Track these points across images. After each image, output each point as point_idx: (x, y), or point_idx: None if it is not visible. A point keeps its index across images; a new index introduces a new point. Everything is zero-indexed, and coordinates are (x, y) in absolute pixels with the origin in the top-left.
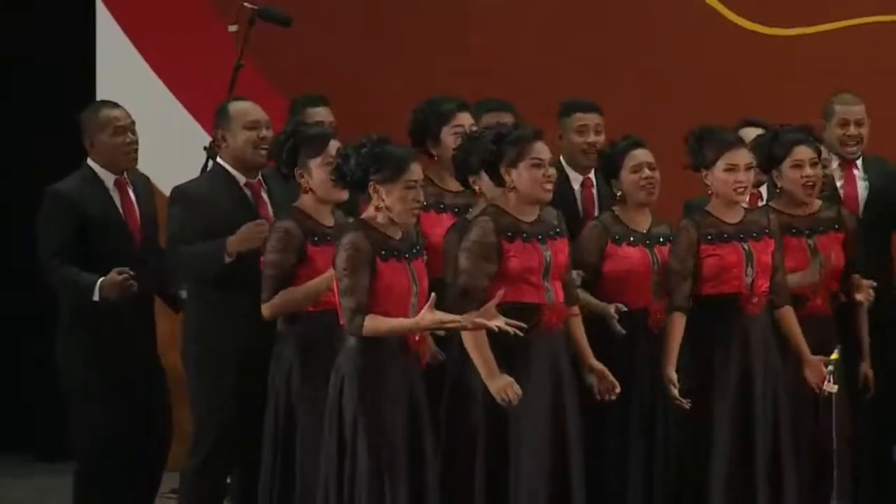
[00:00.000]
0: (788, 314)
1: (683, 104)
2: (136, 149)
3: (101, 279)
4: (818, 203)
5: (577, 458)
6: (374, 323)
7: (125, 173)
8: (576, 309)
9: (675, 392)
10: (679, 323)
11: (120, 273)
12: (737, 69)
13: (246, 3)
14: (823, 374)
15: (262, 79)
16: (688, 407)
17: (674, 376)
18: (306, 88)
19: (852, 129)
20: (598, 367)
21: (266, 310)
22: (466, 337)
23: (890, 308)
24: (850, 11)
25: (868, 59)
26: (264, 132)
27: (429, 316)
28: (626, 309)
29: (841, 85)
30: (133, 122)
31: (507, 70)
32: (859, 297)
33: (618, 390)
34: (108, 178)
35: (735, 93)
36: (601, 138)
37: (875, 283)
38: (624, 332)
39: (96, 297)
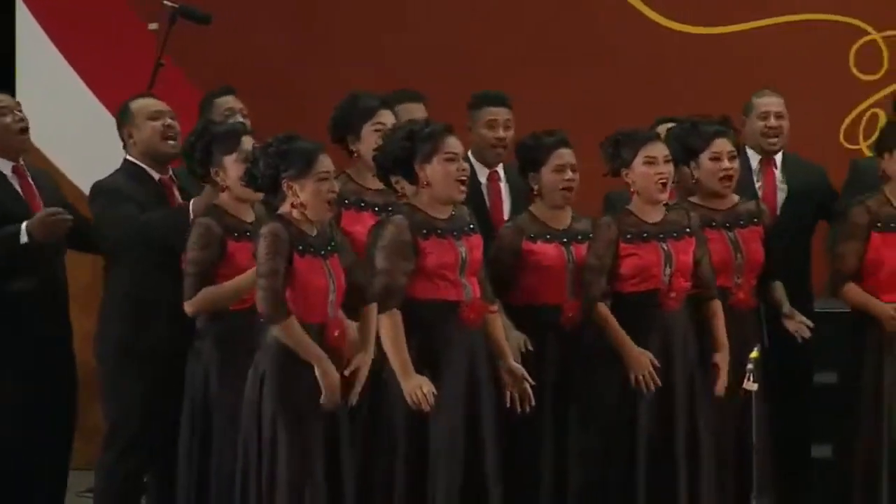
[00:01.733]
0: (715, 307)
1: (604, 101)
2: (26, 128)
3: (25, 222)
4: (735, 197)
5: (494, 456)
6: (292, 335)
7: (21, 160)
8: (494, 307)
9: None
10: (605, 310)
11: (48, 213)
12: (658, 68)
13: (166, 2)
14: (723, 375)
15: (182, 77)
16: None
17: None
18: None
19: (773, 121)
20: (515, 370)
21: (189, 307)
22: (384, 336)
23: (806, 313)
24: (771, 10)
25: (790, 57)
26: (169, 121)
27: (331, 380)
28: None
29: (763, 82)
30: (18, 104)
31: (429, 66)
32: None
33: (532, 403)
34: (6, 166)
35: (656, 91)
36: (510, 133)
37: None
38: None
39: (24, 240)
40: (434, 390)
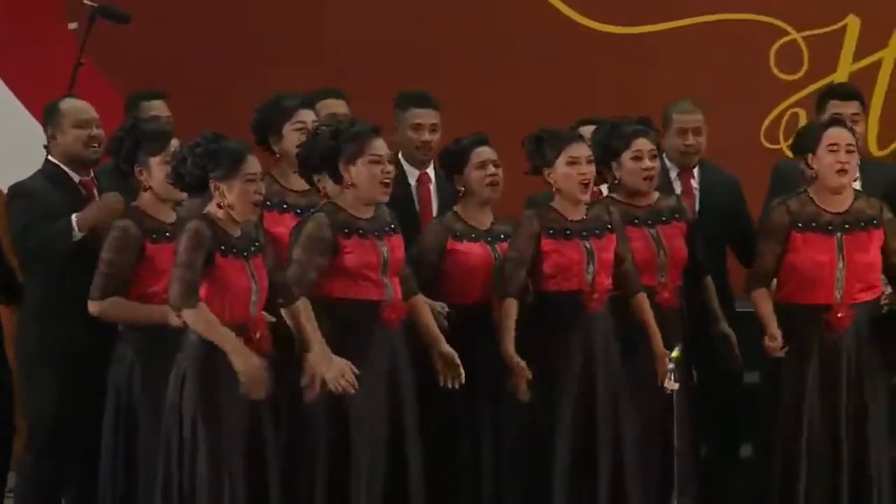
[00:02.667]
0: (641, 300)
1: (526, 101)
2: None
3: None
4: (656, 194)
5: (415, 456)
6: (202, 320)
7: None
8: (419, 297)
9: (520, 364)
10: (512, 307)
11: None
12: (579, 68)
13: (86, 1)
14: (663, 366)
15: (102, 77)
16: (525, 399)
17: (513, 354)
18: (147, 86)
19: (690, 139)
20: (447, 353)
21: (93, 307)
22: (301, 322)
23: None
24: (692, 10)
25: (710, 57)
26: (94, 131)
27: (250, 368)
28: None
29: (684, 82)
30: None
31: (354, 66)
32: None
33: (462, 378)
34: None
35: (578, 91)
36: (436, 136)
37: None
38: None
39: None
40: (356, 370)
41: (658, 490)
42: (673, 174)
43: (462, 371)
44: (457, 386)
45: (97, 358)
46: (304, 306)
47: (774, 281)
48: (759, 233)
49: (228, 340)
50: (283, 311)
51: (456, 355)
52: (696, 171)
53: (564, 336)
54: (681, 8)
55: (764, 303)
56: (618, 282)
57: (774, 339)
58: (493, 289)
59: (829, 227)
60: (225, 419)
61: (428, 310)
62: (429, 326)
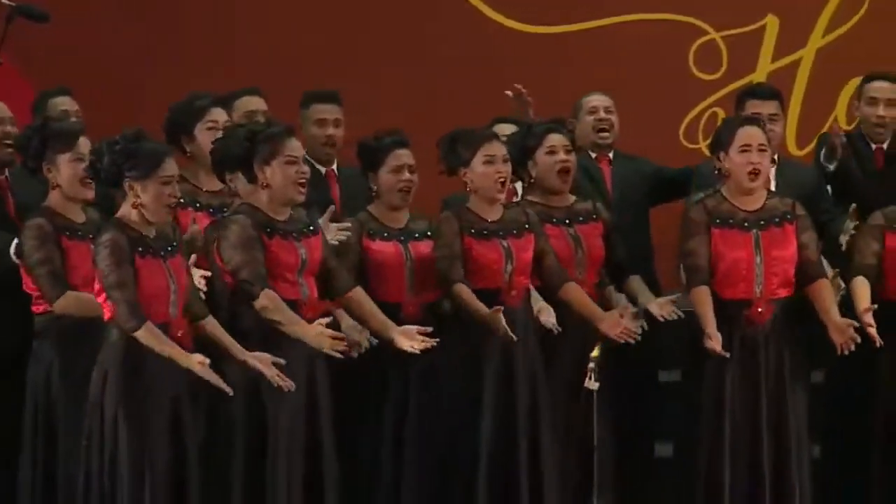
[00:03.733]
0: (573, 288)
1: (442, 100)
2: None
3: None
4: (572, 197)
5: (330, 458)
6: (153, 335)
7: None
8: (358, 290)
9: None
10: (464, 288)
11: None
12: (497, 67)
13: (4, 1)
14: (620, 326)
15: (19, 76)
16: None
17: (486, 310)
18: (62, 84)
19: (602, 114)
20: (402, 333)
21: (57, 307)
22: (273, 311)
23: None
24: (610, 9)
25: (629, 57)
26: (8, 128)
27: (198, 365)
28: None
29: (603, 82)
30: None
31: (271, 64)
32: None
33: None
34: None
35: (495, 90)
36: (340, 131)
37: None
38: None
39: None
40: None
41: (577, 489)
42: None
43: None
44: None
45: (16, 359)
46: (271, 295)
47: None
48: (683, 233)
49: (176, 353)
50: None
51: (414, 331)
52: (612, 160)
53: (483, 335)
54: (600, 7)
55: (704, 301)
56: (544, 277)
57: (711, 339)
58: (439, 286)
59: (746, 224)
60: (147, 419)
61: (369, 299)
62: (374, 314)
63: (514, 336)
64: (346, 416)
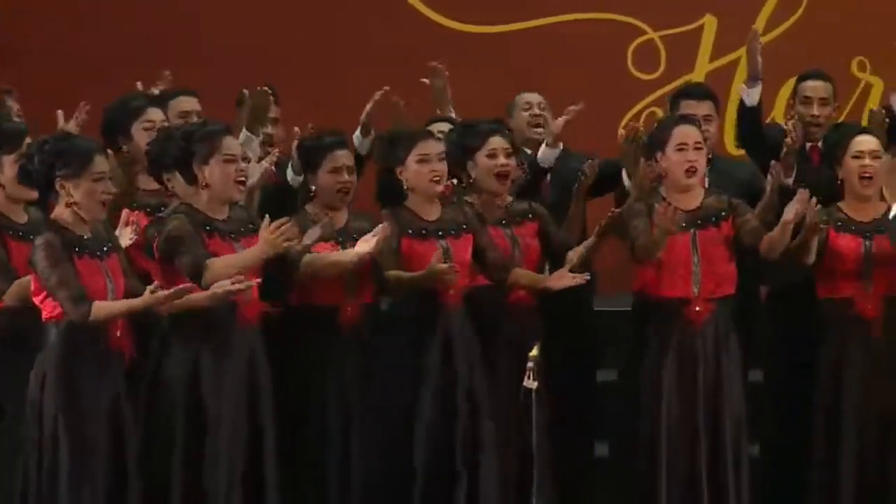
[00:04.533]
0: (518, 271)
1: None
2: None
3: None
4: (509, 198)
5: (272, 455)
6: (102, 307)
7: None
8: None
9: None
10: (398, 271)
11: None
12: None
13: None
14: (569, 279)
15: None
16: None
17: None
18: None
19: (536, 110)
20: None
21: (7, 298)
22: (226, 266)
23: (587, 309)
24: (549, 9)
25: (568, 56)
26: None
27: (152, 296)
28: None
29: (541, 81)
30: None
31: (205, 65)
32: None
33: None
34: None
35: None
36: (279, 130)
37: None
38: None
39: None
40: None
41: (516, 489)
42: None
43: None
44: None
45: None
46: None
47: None
48: (628, 217)
49: (134, 307)
50: None
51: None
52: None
53: (421, 336)
54: (539, 7)
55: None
56: (489, 272)
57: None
58: (374, 281)
59: (683, 224)
60: (86, 419)
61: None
62: (328, 257)
63: (456, 267)
64: (288, 417)
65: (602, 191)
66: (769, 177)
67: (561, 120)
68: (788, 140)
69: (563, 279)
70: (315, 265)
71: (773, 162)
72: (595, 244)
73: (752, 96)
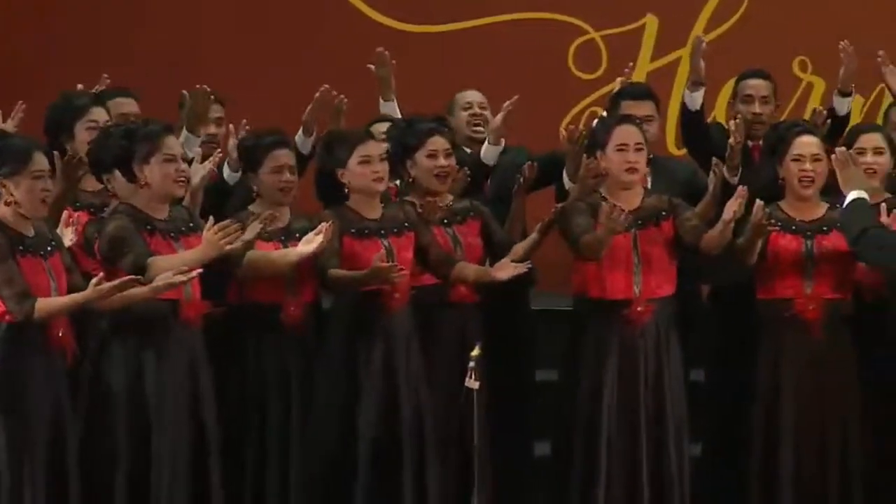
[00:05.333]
0: (462, 265)
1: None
2: None
3: None
4: (450, 197)
5: (216, 454)
6: (47, 303)
7: None
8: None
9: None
10: (339, 270)
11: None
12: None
13: None
14: (512, 269)
15: None
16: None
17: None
18: None
19: (476, 109)
20: None
21: None
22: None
23: (524, 309)
24: (490, 9)
25: (509, 56)
26: None
27: (95, 289)
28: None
29: (483, 80)
30: None
31: (147, 65)
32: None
33: None
34: None
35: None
36: (222, 130)
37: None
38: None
39: None
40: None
41: (458, 488)
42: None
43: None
44: None
45: None
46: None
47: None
48: (569, 214)
49: (71, 302)
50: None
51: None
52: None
53: (364, 337)
54: (480, 7)
55: (592, 238)
56: (433, 268)
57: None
58: (317, 279)
59: (627, 224)
60: (29, 417)
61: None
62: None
63: (399, 266)
64: (230, 416)
65: (542, 185)
66: (711, 175)
67: (499, 117)
68: (732, 141)
69: (507, 269)
70: (257, 263)
71: (714, 159)
72: (537, 241)
73: (695, 101)
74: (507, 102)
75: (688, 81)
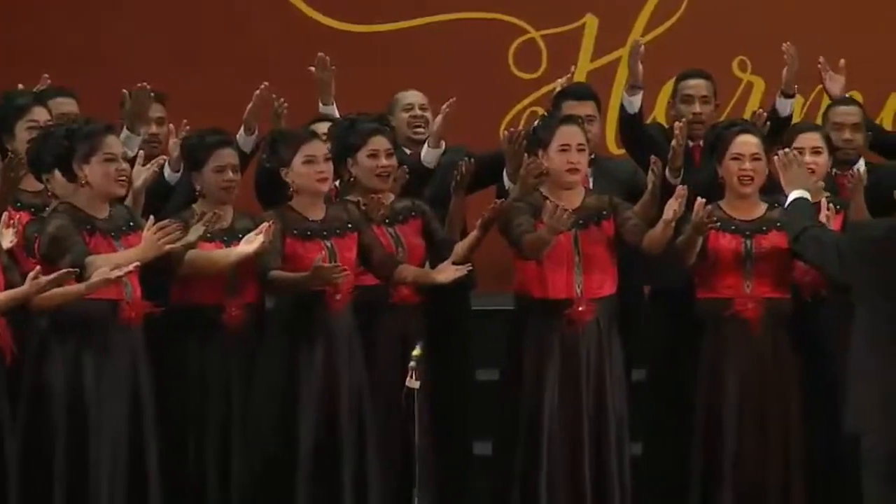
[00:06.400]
0: (405, 268)
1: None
2: None
3: None
4: (391, 196)
5: (154, 458)
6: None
7: None
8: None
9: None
10: (277, 272)
11: None
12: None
13: None
14: (453, 271)
15: None
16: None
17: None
18: None
19: (417, 111)
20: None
21: None
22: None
23: (464, 307)
24: (429, 8)
25: (449, 55)
26: None
27: (33, 283)
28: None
29: (422, 80)
30: None
31: (92, 63)
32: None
33: None
34: None
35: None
36: (164, 129)
37: None
38: None
39: None
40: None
41: (399, 488)
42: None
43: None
44: None
45: None
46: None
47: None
48: (510, 216)
49: (15, 294)
50: None
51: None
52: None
53: (306, 337)
54: (420, 6)
55: (534, 239)
56: (376, 270)
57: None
58: (258, 280)
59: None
60: None
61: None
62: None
63: (342, 267)
64: (170, 417)
65: (483, 185)
66: (650, 173)
67: (439, 119)
68: (675, 143)
69: (448, 272)
70: (197, 263)
71: (653, 157)
72: (478, 238)
73: (634, 104)
74: (446, 104)
75: (626, 85)
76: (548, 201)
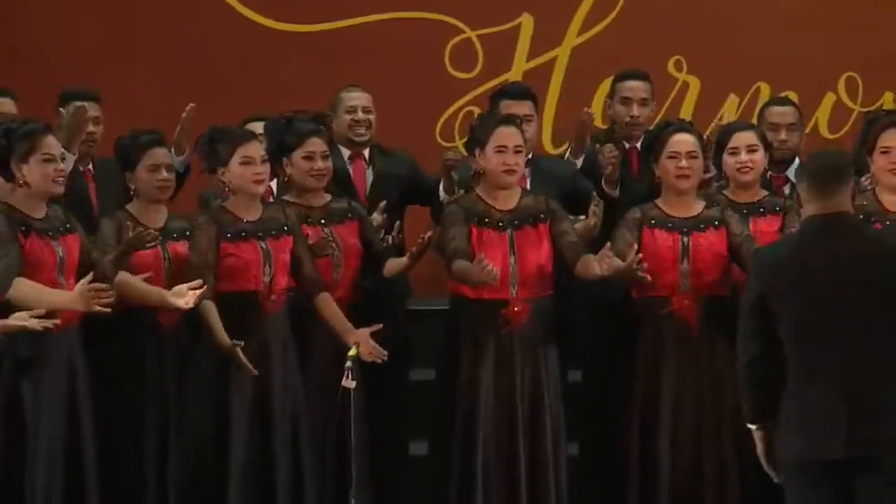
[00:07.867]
0: (325, 300)
1: (198, 99)
2: None
3: None
4: (328, 196)
5: (91, 460)
6: None
7: None
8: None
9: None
10: (208, 306)
11: None
12: (252, 65)
13: None
14: (369, 348)
15: None
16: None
17: (228, 342)
18: None
19: (360, 114)
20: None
21: None
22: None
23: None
24: (365, 8)
25: (385, 55)
26: None
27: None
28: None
29: (359, 80)
30: None
31: (28, 63)
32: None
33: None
34: None
35: (250, 89)
36: (100, 128)
37: None
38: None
39: None
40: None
41: (335, 488)
42: (346, 155)
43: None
44: None
45: None
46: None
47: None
48: (442, 225)
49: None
50: None
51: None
52: (367, 154)
53: (241, 337)
54: (354, 6)
55: (462, 267)
56: (301, 283)
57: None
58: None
59: (500, 224)
60: None
61: (134, 282)
62: (141, 290)
63: (254, 371)
64: (106, 419)
65: (425, 201)
66: (592, 208)
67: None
68: (609, 169)
69: (362, 336)
70: (124, 290)
71: (594, 196)
72: (408, 267)
73: (577, 164)
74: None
75: (571, 147)
76: (476, 258)
